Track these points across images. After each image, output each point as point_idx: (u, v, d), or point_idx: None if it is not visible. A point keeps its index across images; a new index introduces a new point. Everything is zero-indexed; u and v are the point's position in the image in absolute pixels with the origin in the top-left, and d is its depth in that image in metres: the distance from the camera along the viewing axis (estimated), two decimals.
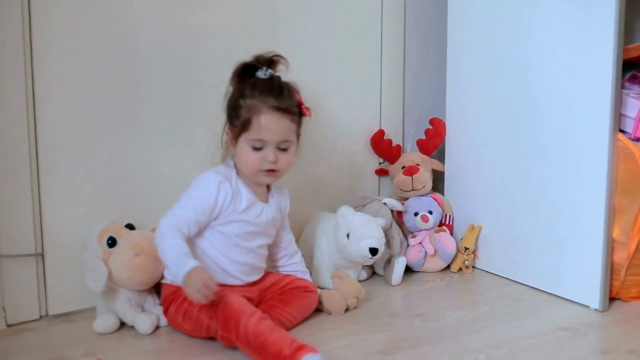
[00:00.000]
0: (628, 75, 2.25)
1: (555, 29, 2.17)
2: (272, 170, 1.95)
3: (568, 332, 2.05)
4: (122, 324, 2.04)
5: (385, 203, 2.43)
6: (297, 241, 2.37)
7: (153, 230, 1.95)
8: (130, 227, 2.07)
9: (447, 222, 2.53)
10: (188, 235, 1.92)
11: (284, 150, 1.95)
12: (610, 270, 2.17)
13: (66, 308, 2.13)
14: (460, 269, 2.49)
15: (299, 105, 1.97)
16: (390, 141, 2.57)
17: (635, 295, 2.23)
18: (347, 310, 2.16)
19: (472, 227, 2.48)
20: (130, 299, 2.02)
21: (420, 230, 2.47)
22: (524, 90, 2.27)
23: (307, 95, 2.38)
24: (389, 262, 2.40)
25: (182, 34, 2.18)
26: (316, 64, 2.42)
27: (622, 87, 2.17)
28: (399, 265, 2.37)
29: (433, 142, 2.59)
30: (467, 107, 2.48)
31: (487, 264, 2.48)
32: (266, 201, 2.04)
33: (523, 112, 2.30)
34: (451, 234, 2.53)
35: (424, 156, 2.58)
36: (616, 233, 2.17)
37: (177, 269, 1.82)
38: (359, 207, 2.41)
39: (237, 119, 1.92)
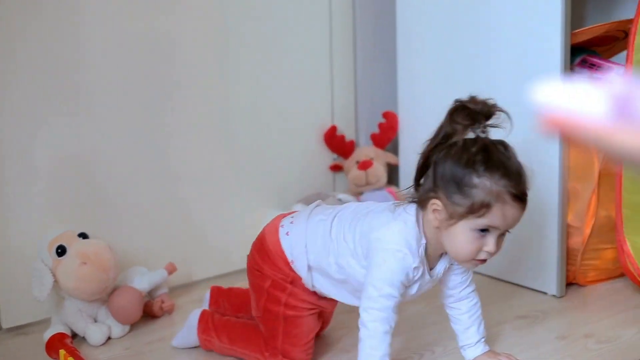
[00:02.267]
0: (578, 60, 2.24)
1: (503, 16, 2.16)
2: (485, 260, 1.64)
3: (526, 319, 2.05)
4: (76, 335, 2.00)
5: (339, 199, 2.42)
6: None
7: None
8: (83, 236, 2.03)
9: None
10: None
11: (503, 235, 1.63)
12: (567, 255, 2.17)
13: (21, 320, 2.09)
14: None
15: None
16: (343, 136, 2.56)
17: (591, 280, 2.23)
18: None
19: None
20: (81, 309, 1.99)
21: None
22: (475, 80, 2.26)
23: (257, 92, 2.38)
24: None
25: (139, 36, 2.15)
26: (265, 61, 2.40)
27: (572, 71, 2.16)
28: None
29: (386, 136, 2.57)
30: (420, 99, 2.46)
31: None
32: (434, 265, 1.72)
33: None
34: None
35: (378, 150, 2.57)
36: (571, 218, 2.17)
37: None
38: None
39: (464, 198, 1.55)
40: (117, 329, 2.01)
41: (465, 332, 1.80)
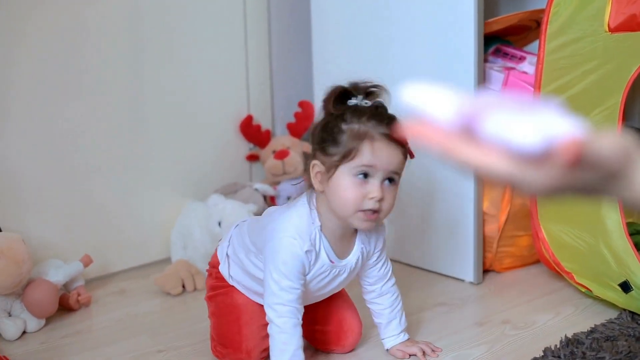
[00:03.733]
0: (492, 49, 2.27)
1: (417, 5, 2.17)
2: (374, 212, 1.59)
3: (445, 306, 2.07)
4: None
5: (256, 189, 2.41)
6: (170, 233, 2.34)
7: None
8: None
9: None
10: None
11: (391, 183, 1.61)
12: (483, 243, 2.20)
13: None
14: None
15: (406, 143, 1.63)
16: (259, 126, 2.54)
17: (507, 266, 2.26)
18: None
19: None
20: None
21: None
22: (390, 68, 2.27)
23: (171, 82, 2.35)
24: None
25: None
26: (179, 50, 2.37)
27: (486, 60, 2.19)
28: None
29: (303, 125, 2.57)
30: None
31: None
32: (346, 256, 1.71)
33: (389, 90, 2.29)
34: None
35: (294, 139, 2.56)
36: (486, 206, 2.20)
37: None
38: (230, 194, 2.38)
39: (337, 146, 1.58)
40: (33, 323, 1.97)
41: (388, 325, 1.81)
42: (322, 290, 1.72)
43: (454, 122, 0.75)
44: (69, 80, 2.17)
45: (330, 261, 1.67)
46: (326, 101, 1.64)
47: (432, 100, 0.76)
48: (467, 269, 2.19)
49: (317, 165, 1.62)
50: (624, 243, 1.93)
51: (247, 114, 2.53)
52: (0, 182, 2.08)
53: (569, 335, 1.86)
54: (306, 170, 1.67)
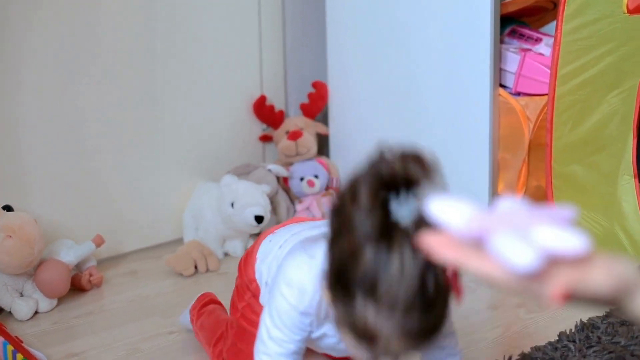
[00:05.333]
0: (507, 30, 2.25)
1: None
2: None
3: None
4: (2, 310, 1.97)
5: (269, 169, 2.39)
6: (182, 214, 2.33)
7: None
8: (7, 208, 1.98)
9: (334, 186, 2.50)
10: None
11: None
12: None
13: None
14: None
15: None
16: (272, 106, 2.52)
17: None
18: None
19: None
20: (7, 283, 1.94)
21: (307, 196, 2.44)
22: (405, 49, 2.25)
23: (184, 62, 2.33)
24: None
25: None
26: (192, 30, 2.34)
27: (502, 42, 2.16)
28: None
29: (316, 106, 2.55)
30: (349, 68, 2.44)
31: None
32: None
33: (404, 71, 2.28)
34: None
35: (307, 120, 2.55)
36: (501, 188, 2.18)
37: None
38: (243, 175, 2.36)
39: (340, 317, 1.05)
40: (44, 303, 1.97)
41: None
42: (343, 352, 1.40)
43: (468, 235, 0.79)
44: (81, 61, 2.15)
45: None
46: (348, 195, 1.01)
47: (450, 212, 0.80)
48: None
49: (325, 294, 1.09)
50: None
51: (260, 94, 2.51)
52: (12, 163, 2.08)
53: (584, 319, 1.85)
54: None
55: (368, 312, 0.99)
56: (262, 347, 1.35)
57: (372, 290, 0.97)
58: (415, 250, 0.94)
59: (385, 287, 0.96)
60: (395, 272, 0.96)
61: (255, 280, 1.54)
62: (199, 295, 1.84)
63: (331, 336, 1.36)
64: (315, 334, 1.37)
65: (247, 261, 1.58)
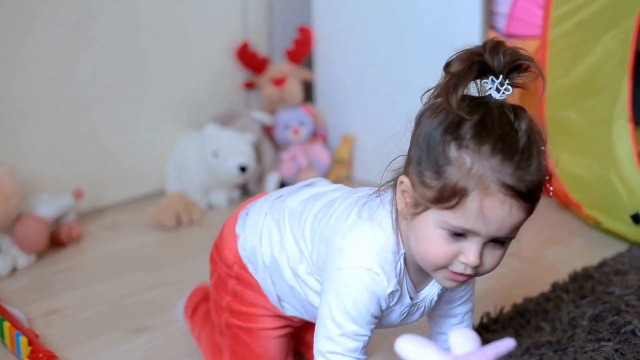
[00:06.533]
0: None
1: None
2: (465, 276, 1.14)
3: None
4: None
5: (254, 117, 2.35)
6: (164, 165, 2.28)
7: None
8: None
9: (320, 134, 2.46)
10: None
11: (498, 245, 1.13)
12: None
13: None
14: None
15: (544, 183, 1.13)
16: (256, 53, 2.46)
17: None
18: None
19: (346, 138, 2.41)
20: None
21: (293, 144, 2.39)
22: None
23: (163, 8, 2.26)
24: (261, 179, 2.32)
25: None
26: None
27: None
28: (272, 181, 2.31)
29: (302, 51, 2.49)
30: (335, 12, 2.38)
31: (365, 172, 2.42)
32: (423, 285, 1.25)
33: (392, 13, 2.23)
34: (325, 145, 2.45)
35: (293, 66, 2.49)
36: None
37: None
38: (226, 123, 2.31)
39: (435, 179, 1.10)
40: (23, 259, 1.92)
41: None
42: (386, 327, 1.29)
43: None
44: (63, 11, 2.08)
45: (411, 298, 1.24)
46: (456, 75, 1.12)
47: (416, 355, 0.89)
48: None
49: (405, 185, 1.15)
50: (635, 173, 1.86)
51: (243, 40, 2.45)
52: None
53: (578, 269, 1.81)
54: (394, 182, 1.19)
55: (464, 159, 1.07)
56: (330, 346, 1.18)
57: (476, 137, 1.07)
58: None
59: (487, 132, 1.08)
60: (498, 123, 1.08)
61: (237, 261, 1.37)
62: (191, 289, 1.63)
63: (393, 314, 1.24)
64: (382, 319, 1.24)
65: (219, 247, 1.41)
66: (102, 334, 1.66)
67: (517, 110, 1.11)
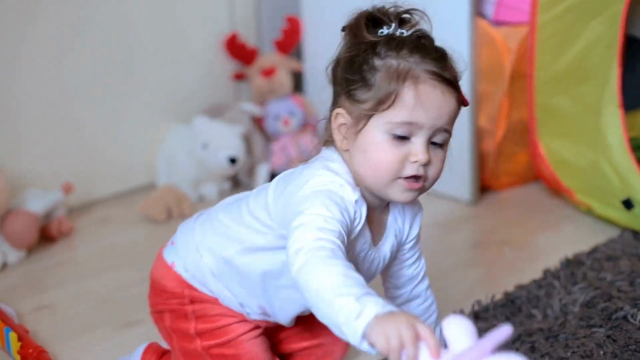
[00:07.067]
0: None
1: None
2: (418, 179, 1.19)
3: (440, 227, 2.01)
4: None
5: (243, 109, 2.33)
6: (154, 158, 2.27)
7: None
8: None
9: (309, 124, 2.44)
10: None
11: (439, 146, 1.21)
12: (480, 160, 2.12)
13: None
14: None
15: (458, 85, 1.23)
16: (245, 44, 2.45)
17: (505, 184, 2.19)
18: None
19: None
20: None
21: (283, 135, 2.38)
22: None
23: (148, 5, 2.25)
24: (251, 170, 2.31)
25: None
26: None
27: None
28: (262, 172, 2.30)
29: (290, 41, 2.48)
30: (323, 1, 2.37)
31: None
32: (378, 241, 1.29)
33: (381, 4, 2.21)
34: (315, 135, 2.45)
35: (282, 56, 2.47)
36: (483, 121, 2.12)
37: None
38: (216, 115, 2.30)
39: (368, 90, 1.19)
40: (13, 255, 1.92)
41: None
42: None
43: None
44: (51, 5, 2.08)
45: (372, 241, 1.27)
46: (353, 28, 1.25)
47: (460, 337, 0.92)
48: (463, 188, 2.12)
49: (341, 116, 1.22)
50: (626, 158, 1.85)
51: (231, 31, 2.43)
52: None
53: (569, 255, 1.80)
54: (328, 121, 1.27)
55: (390, 62, 1.18)
56: (300, 234, 1.10)
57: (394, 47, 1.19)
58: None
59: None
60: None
61: (184, 285, 1.33)
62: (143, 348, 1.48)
63: (358, 249, 1.24)
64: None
65: (158, 290, 1.36)
66: (92, 329, 1.65)
67: (427, 36, 1.25)
